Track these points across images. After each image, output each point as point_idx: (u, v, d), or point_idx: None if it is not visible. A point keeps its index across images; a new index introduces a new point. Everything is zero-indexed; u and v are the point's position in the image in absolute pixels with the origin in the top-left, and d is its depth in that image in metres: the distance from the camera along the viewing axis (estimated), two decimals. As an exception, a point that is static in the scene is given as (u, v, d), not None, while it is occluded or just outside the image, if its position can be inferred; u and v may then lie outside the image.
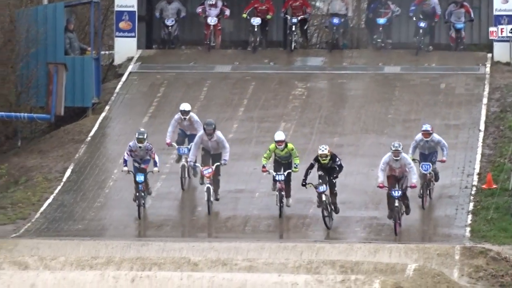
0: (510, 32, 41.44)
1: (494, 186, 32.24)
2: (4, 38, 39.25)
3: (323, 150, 25.19)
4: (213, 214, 29.04)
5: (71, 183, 34.43)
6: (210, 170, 26.00)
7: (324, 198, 25.13)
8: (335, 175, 25.97)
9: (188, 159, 27.18)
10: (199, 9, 43.24)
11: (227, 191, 30.50)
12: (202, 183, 26.94)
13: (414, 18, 41.77)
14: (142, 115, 38.33)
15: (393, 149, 25.63)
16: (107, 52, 45.09)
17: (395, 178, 26.10)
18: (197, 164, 26.59)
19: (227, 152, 26.73)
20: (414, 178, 26.03)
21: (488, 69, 40.11)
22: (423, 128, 28.47)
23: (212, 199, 26.02)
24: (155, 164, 27.15)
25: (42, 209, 31.56)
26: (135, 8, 43.06)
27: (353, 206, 30.67)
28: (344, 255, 26.19)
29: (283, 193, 26.29)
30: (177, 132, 29.62)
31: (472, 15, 42.40)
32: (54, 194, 33.16)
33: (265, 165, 26.39)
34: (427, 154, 28.71)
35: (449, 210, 30.79)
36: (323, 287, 23.11)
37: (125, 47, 43.26)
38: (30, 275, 24.48)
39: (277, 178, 26.03)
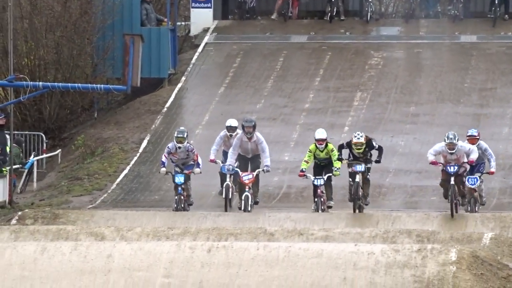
0: None
1: None
2: (81, 9, 39.07)
3: (358, 138, 22.73)
4: (287, 186, 29.14)
5: (147, 154, 34.94)
6: (250, 176, 23.39)
7: (357, 178, 22.86)
8: (377, 159, 23.83)
9: (227, 163, 24.07)
10: None
11: (300, 160, 28.51)
12: (221, 193, 24.44)
13: None
14: (218, 86, 38.43)
15: (448, 141, 22.80)
16: (183, 23, 45.57)
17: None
18: (236, 168, 23.72)
19: (267, 156, 23.82)
20: (492, 166, 23.94)
21: None
22: (469, 133, 24.67)
23: (249, 208, 23.34)
24: (197, 165, 24.37)
25: (118, 180, 32.22)
26: None
27: (429, 175, 30.33)
28: (420, 224, 26.04)
29: (322, 199, 24.01)
30: (221, 151, 26.39)
31: None
32: (130, 165, 33.85)
33: (304, 169, 23.79)
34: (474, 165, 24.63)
35: None
36: (399, 256, 20.32)
37: (201, 18, 43.39)
38: (107, 246, 22.54)
39: (315, 182, 23.39)
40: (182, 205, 24.14)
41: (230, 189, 24.44)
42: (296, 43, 42.50)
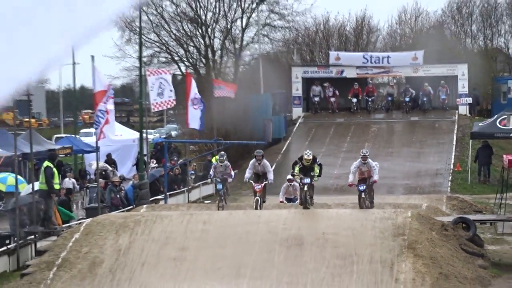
0: (466, 101, 55.67)
1: (460, 169, 47.67)
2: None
3: (308, 155, 27.35)
4: (336, 184, 42.46)
5: (275, 173, 41.33)
6: (260, 186, 28.57)
7: (305, 188, 26.96)
8: (318, 174, 27.67)
9: (245, 176, 29.87)
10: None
11: (342, 174, 38.89)
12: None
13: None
14: (305, 141, 53.90)
15: (362, 154, 28.06)
16: (288, 114, 59.17)
17: (364, 179, 27.95)
18: (250, 180, 29.28)
19: (271, 173, 29.25)
20: (376, 175, 28.03)
21: (456, 117, 55.81)
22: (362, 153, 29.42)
23: (259, 208, 28.63)
24: (230, 176, 31.04)
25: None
26: (301, 94, 59.41)
27: (398, 176, 45.50)
28: (394, 200, 36.08)
29: (308, 197, 28.14)
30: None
31: (448, 92, 56.00)
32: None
33: (294, 174, 29.57)
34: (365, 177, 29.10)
35: (441, 179, 46.38)
36: (385, 214, 28.18)
37: (297, 111, 59.31)
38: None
39: (303, 181, 28.18)
40: (223, 203, 30.75)
41: (259, 203, 29.74)
42: (338, 121, 57.70)
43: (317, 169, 27.70)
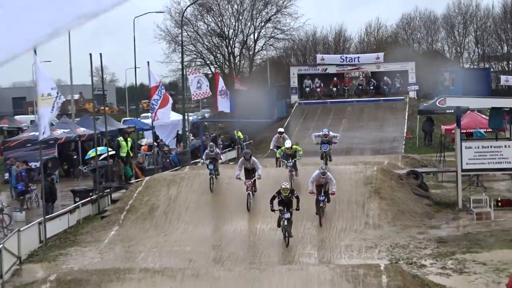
0: (414, 89, 55.43)
1: (410, 136, 47.22)
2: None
3: (285, 185, 21.91)
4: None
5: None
6: (250, 182, 23.85)
7: (286, 222, 21.45)
8: (297, 207, 21.90)
9: (236, 174, 24.71)
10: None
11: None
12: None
13: None
14: (299, 118, 53.58)
15: (321, 170, 23.23)
16: (288, 100, 57.65)
17: (321, 186, 23.29)
18: (241, 178, 24.26)
19: (260, 169, 24.44)
20: (334, 188, 23.13)
21: (407, 100, 54.60)
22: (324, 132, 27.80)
23: (250, 200, 24.10)
24: (219, 159, 26.71)
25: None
26: (296, 85, 57.94)
27: (367, 142, 44.95)
28: (364, 159, 35.80)
29: (293, 173, 25.53)
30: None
31: (401, 82, 55.96)
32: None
33: (279, 157, 27.09)
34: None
35: (397, 143, 45.62)
36: (358, 169, 28.45)
37: (294, 98, 57.45)
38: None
39: (288, 164, 25.62)
40: (252, 197, 24.61)
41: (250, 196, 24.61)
42: (323, 105, 56.16)
43: (295, 202, 22.12)
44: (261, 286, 16.34)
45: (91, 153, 33.02)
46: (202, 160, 27.21)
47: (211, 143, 28.25)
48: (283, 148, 25.85)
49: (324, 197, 23.26)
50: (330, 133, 28.72)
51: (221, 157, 27.08)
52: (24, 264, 19.85)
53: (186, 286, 16.43)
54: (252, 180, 24.54)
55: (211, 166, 26.16)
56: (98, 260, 19.82)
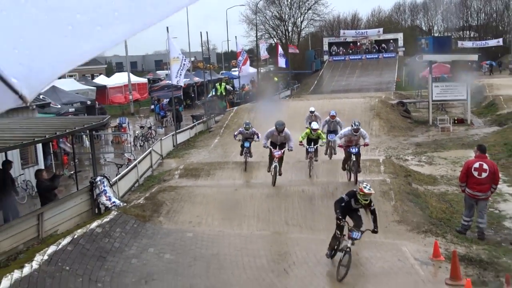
0: (403, 50, 51.50)
1: (399, 80, 43.28)
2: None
3: (369, 189, 9.22)
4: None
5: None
6: (279, 152, 14.54)
7: (349, 250, 9.09)
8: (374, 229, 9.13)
9: (262, 142, 14.97)
10: None
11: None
12: (269, 171, 14.90)
13: None
14: (329, 70, 48.38)
15: (354, 127, 13.57)
16: (321, 58, 52.50)
17: (351, 144, 13.75)
18: (270, 146, 14.64)
19: (292, 142, 14.59)
20: (367, 140, 14.00)
21: (397, 57, 50.00)
22: (331, 114, 17.48)
23: (278, 174, 14.45)
24: (257, 136, 16.26)
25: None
26: (327, 49, 52.97)
27: (372, 84, 41.09)
28: (369, 95, 30.67)
29: (313, 159, 15.47)
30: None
31: (394, 45, 51.38)
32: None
33: (301, 141, 14.94)
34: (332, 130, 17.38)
35: (390, 84, 40.27)
36: (365, 100, 26.51)
37: (325, 58, 52.42)
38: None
39: (309, 150, 15.36)
40: (248, 158, 16.21)
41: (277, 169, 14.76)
42: (344, 61, 51.09)
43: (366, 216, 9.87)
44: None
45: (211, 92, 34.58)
46: (236, 138, 17.09)
47: (246, 121, 17.66)
48: (308, 130, 15.75)
49: (356, 149, 13.75)
50: (315, 112, 19.55)
51: (259, 135, 16.44)
52: (164, 159, 20.13)
53: (261, 172, 16.15)
54: (282, 151, 14.79)
55: (247, 144, 16.84)
56: (208, 157, 19.93)
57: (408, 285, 8.42)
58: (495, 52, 50.19)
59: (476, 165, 11.16)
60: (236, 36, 64.99)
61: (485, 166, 11.08)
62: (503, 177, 14.24)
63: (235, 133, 17.34)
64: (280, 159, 14.76)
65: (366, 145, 14.17)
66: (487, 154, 11.58)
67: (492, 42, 50.33)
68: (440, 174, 15.91)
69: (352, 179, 14.03)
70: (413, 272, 9.15)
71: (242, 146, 16.92)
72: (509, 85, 30.95)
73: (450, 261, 9.16)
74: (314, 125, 15.92)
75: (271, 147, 14.68)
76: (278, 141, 14.63)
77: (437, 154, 18.64)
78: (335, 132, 17.08)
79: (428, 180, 15.14)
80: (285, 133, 14.66)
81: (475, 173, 11.10)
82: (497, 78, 36.68)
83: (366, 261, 9.74)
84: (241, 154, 16.97)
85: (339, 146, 14.31)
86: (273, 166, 14.54)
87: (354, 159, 13.78)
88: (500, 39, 50.54)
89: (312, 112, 19.60)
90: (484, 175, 11.01)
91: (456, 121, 24.65)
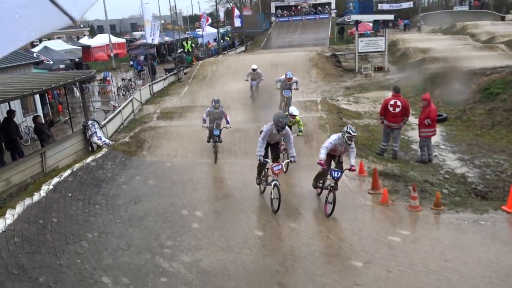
0: (335, 11, 49.38)
1: (332, 36, 40.86)
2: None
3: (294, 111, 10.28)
4: None
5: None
6: (279, 167, 8.27)
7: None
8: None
9: (258, 152, 8.27)
10: None
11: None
12: (258, 183, 9.16)
13: None
14: (276, 29, 44.96)
15: (348, 134, 7.91)
16: (270, 20, 48.96)
17: (333, 156, 8.38)
18: (267, 160, 8.45)
19: (293, 146, 8.46)
20: (353, 160, 8.04)
21: (331, 18, 47.65)
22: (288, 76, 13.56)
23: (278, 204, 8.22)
24: (227, 122, 11.14)
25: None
26: (274, 12, 49.41)
27: (310, 40, 37.58)
28: (308, 48, 28.51)
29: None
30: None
31: (328, 9, 49.95)
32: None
33: None
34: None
35: (325, 40, 37.72)
36: (305, 53, 25.02)
37: (273, 19, 49.30)
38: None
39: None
40: (217, 149, 11.20)
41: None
42: (289, 22, 48.72)
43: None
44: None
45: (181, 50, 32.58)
46: (204, 124, 11.37)
47: (215, 98, 11.59)
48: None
49: (339, 173, 8.24)
50: (294, 77, 14.38)
51: (229, 121, 11.32)
52: (143, 105, 19.56)
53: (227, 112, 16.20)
54: (284, 164, 9.64)
55: (216, 131, 11.52)
56: (179, 102, 19.47)
57: (341, 196, 8.68)
58: (407, 13, 49.12)
59: (392, 102, 11.38)
60: (199, 1, 63.40)
61: (399, 103, 11.30)
62: (412, 111, 14.85)
63: (204, 116, 11.54)
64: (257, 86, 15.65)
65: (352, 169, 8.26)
66: (400, 94, 11.67)
67: (405, 5, 49.47)
68: (364, 110, 16.00)
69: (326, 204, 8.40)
70: (344, 185, 9.37)
71: (211, 133, 11.60)
72: (417, 39, 30.69)
73: (371, 176, 9.53)
74: (294, 110, 10.49)
75: (270, 161, 8.67)
76: (277, 139, 8.83)
77: (361, 95, 18.60)
78: (291, 89, 13.98)
79: (355, 115, 15.25)
80: (287, 132, 8.72)
81: (391, 109, 11.34)
82: (408, 34, 36.40)
83: (308, 179, 9.89)
84: (209, 141, 11.84)
85: (319, 163, 7.88)
86: (272, 184, 8.46)
87: (333, 184, 8.22)
88: (411, 2, 49.72)
89: (254, 69, 15.73)
90: (397, 110, 11.27)
91: (376, 69, 24.34)
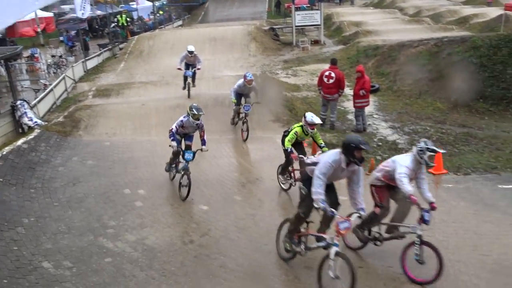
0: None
1: (270, 10, 38.00)
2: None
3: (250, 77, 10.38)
4: None
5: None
6: (348, 224, 4.80)
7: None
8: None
9: (317, 198, 4.87)
10: None
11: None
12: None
13: None
14: (215, 4, 39.37)
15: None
16: None
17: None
18: (334, 211, 4.93)
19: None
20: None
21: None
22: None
23: (192, 86, 12.39)
24: (204, 143, 7.81)
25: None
26: None
27: (247, 14, 33.50)
28: (246, 22, 26.97)
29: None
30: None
31: None
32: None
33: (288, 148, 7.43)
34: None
35: (263, 14, 35.44)
36: (244, 27, 24.11)
37: None
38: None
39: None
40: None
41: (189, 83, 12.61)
42: None
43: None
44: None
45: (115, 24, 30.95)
46: (172, 141, 7.97)
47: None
48: (298, 128, 7.56)
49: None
50: (195, 52, 13.11)
51: (205, 137, 7.91)
52: (77, 83, 18.66)
53: (162, 89, 15.71)
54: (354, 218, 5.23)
55: (189, 72, 12.92)
56: (116, 79, 18.76)
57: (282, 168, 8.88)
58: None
59: (327, 73, 11.62)
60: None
61: (333, 75, 11.55)
62: (347, 83, 15.25)
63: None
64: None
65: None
66: (337, 66, 11.88)
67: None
68: (302, 83, 16.13)
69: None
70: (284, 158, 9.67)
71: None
72: (350, 13, 31.09)
73: (310, 146, 9.62)
74: (315, 119, 7.52)
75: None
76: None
77: (299, 68, 18.64)
78: (194, 66, 12.85)
79: (294, 88, 15.36)
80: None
81: (325, 80, 11.58)
82: (342, 8, 36.44)
83: (251, 151, 10.11)
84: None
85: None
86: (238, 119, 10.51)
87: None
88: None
89: (191, 52, 12.94)
90: (331, 81, 11.51)
91: (313, 42, 24.27)
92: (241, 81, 10.95)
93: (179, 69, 13.26)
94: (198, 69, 13.34)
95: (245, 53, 21.52)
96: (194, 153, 8.07)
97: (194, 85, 13.38)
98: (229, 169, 9.06)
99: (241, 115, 10.69)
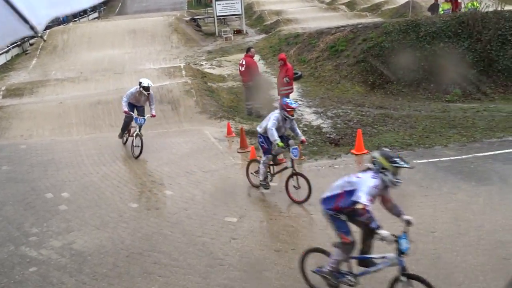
0: None
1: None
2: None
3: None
4: None
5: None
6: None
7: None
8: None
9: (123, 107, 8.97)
10: None
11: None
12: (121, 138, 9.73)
13: None
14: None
15: (145, 85, 9.08)
16: None
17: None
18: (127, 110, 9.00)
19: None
20: (153, 110, 9.38)
21: None
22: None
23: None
24: (153, 110, 9.19)
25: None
26: None
27: (168, 4, 32.28)
28: (166, 13, 26.44)
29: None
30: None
31: None
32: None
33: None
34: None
35: (184, 4, 34.31)
36: (164, 18, 23.57)
37: None
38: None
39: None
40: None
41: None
42: None
43: None
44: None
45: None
46: (125, 108, 8.91)
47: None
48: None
49: (143, 120, 9.16)
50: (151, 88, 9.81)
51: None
52: (-16, 83, 17.39)
53: (80, 86, 15.12)
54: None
55: (141, 120, 9.21)
56: (28, 77, 17.70)
57: (212, 157, 8.89)
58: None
59: (240, 61, 11.93)
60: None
61: (243, 62, 11.78)
62: (270, 70, 15.42)
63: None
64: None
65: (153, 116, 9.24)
66: (251, 54, 11.94)
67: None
68: (227, 74, 16.15)
69: None
70: (214, 147, 9.61)
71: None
72: (270, 1, 31.10)
73: (239, 136, 9.71)
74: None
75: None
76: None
77: (223, 58, 18.63)
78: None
79: (219, 79, 15.34)
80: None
81: (240, 68, 11.93)
82: None
83: (178, 145, 9.96)
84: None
85: (125, 111, 8.98)
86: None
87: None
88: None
89: (147, 89, 9.23)
90: (242, 68, 11.79)
91: (235, 32, 24.29)
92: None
93: (125, 112, 9.12)
94: (153, 116, 9.35)
95: (167, 45, 21.11)
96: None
97: (141, 135, 9.14)
98: (158, 163, 8.90)
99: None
